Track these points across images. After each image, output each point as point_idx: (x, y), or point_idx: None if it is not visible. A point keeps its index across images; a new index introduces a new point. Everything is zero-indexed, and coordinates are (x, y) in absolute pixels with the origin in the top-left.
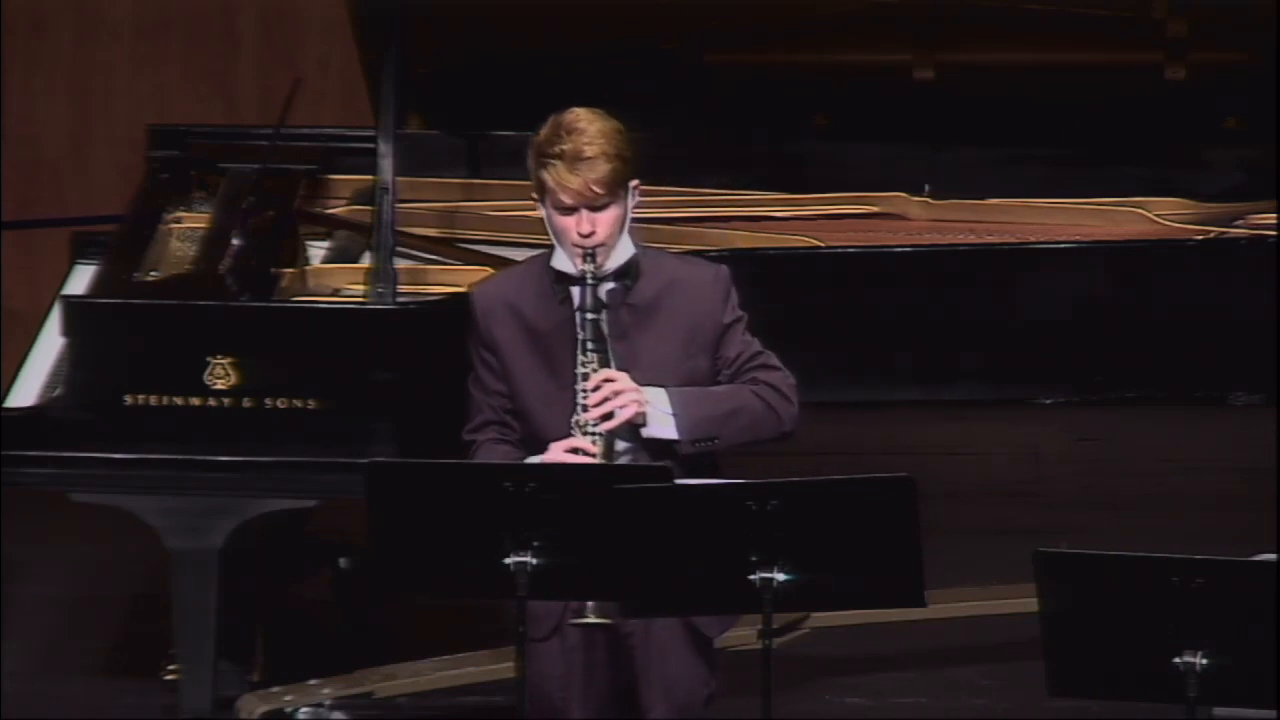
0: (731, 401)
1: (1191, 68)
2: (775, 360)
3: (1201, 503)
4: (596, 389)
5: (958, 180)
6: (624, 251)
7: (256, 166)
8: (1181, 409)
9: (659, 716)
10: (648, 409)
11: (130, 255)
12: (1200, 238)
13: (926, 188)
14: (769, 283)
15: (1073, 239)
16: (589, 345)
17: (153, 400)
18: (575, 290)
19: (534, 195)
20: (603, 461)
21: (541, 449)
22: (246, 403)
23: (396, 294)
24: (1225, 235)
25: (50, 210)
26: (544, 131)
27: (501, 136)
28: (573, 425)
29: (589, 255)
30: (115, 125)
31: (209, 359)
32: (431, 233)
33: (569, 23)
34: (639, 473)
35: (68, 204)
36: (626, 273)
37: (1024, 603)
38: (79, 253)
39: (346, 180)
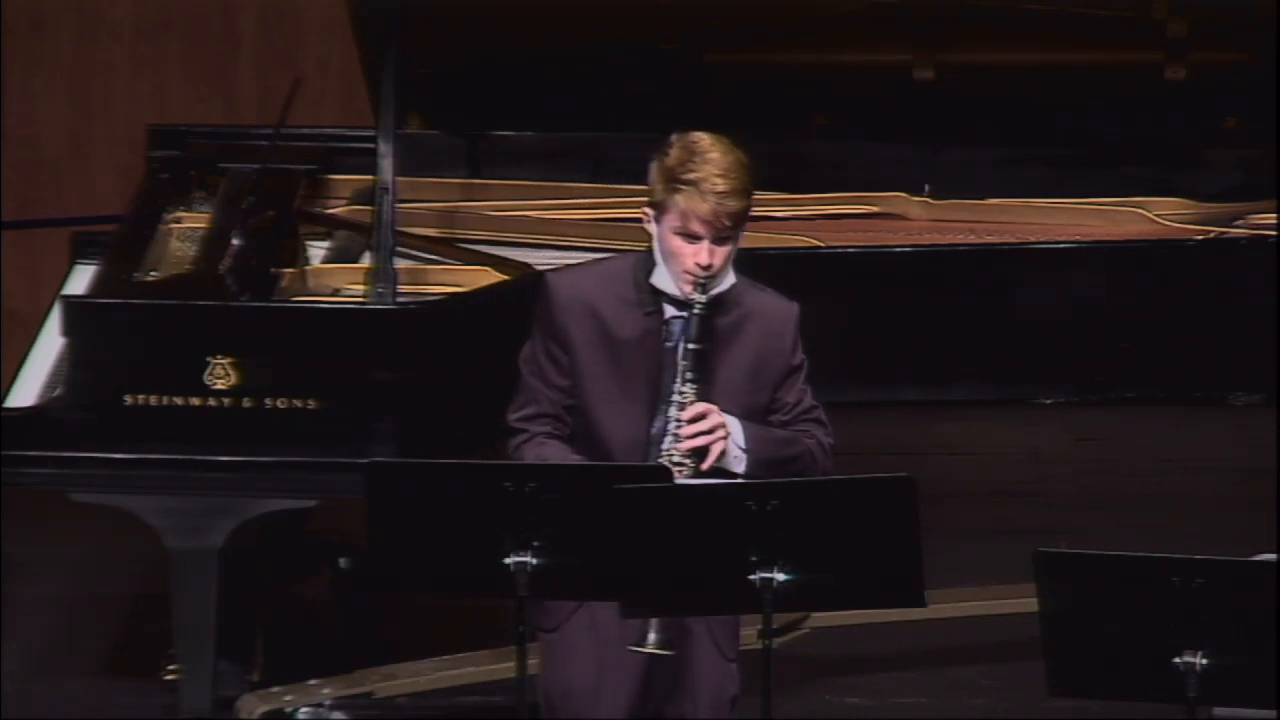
0: (791, 449)
1: (1191, 68)
2: (825, 416)
3: (1201, 503)
4: (694, 420)
5: (958, 180)
6: (725, 281)
7: (256, 166)
8: (1181, 409)
9: (689, 717)
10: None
11: (130, 255)
12: (1200, 238)
13: (926, 188)
14: (769, 283)
15: (1073, 239)
16: (689, 375)
17: (153, 400)
18: (669, 309)
19: (646, 210)
20: None
21: (595, 450)
22: (246, 403)
23: (396, 294)
24: (1225, 235)
25: (50, 210)
26: (674, 153)
27: (501, 136)
28: (663, 453)
29: (701, 285)
30: (115, 125)
31: (209, 359)
32: (431, 233)
33: (569, 23)
34: (639, 473)
35: (68, 204)
36: (717, 301)
37: (1024, 603)
38: (79, 253)
39: (346, 180)
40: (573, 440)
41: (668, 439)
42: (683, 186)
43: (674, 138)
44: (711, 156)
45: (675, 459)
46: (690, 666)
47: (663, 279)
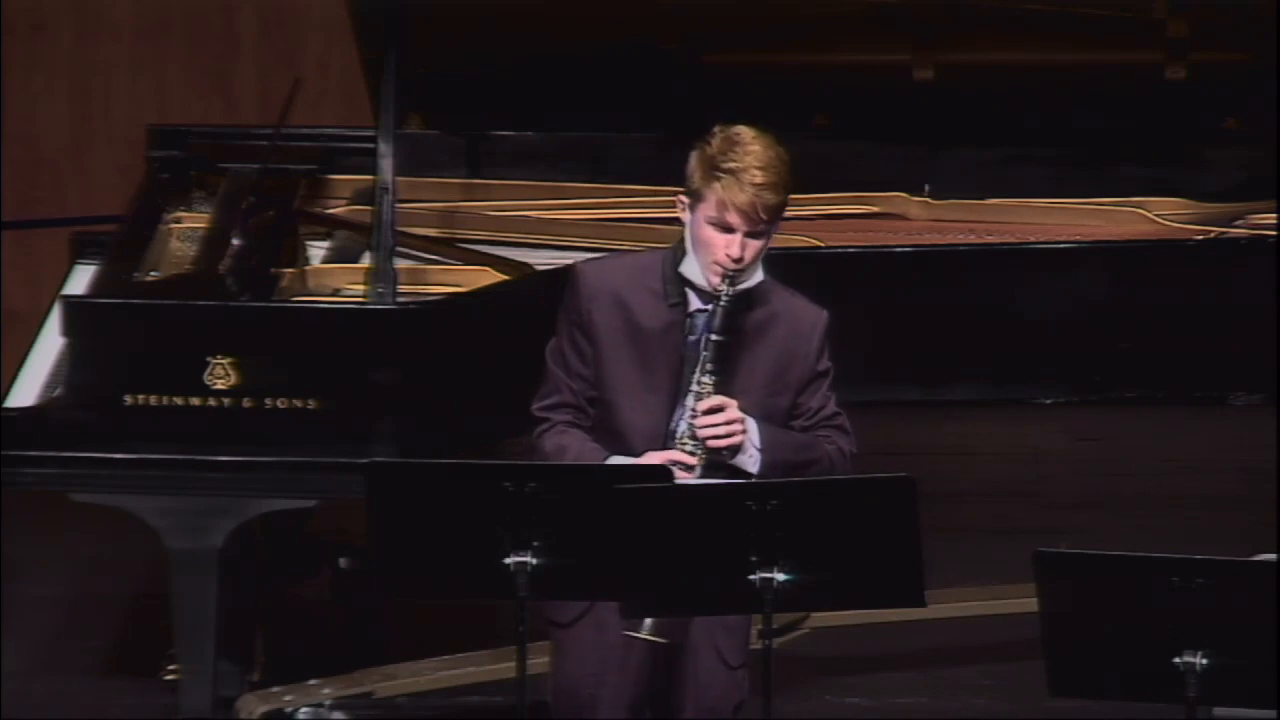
0: (809, 453)
1: (1191, 68)
2: (848, 424)
3: (1201, 503)
4: (710, 411)
5: (958, 180)
6: (753, 278)
7: (256, 166)
8: (1181, 409)
9: (688, 719)
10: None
11: (130, 255)
12: (1200, 238)
13: (926, 188)
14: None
15: (1073, 239)
16: (709, 367)
17: (153, 400)
18: (694, 299)
19: (680, 199)
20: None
21: (616, 441)
22: (246, 403)
23: (396, 294)
24: (1225, 235)
25: (50, 210)
26: (716, 143)
27: (501, 136)
28: (676, 438)
29: (729, 277)
30: (115, 125)
31: (209, 359)
32: (431, 233)
33: (569, 23)
34: (639, 473)
35: (68, 204)
36: (745, 298)
37: (1024, 603)
38: (79, 253)
39: (346, 180)
40: (594, 431)
41: (682, 426)
42: (722, 175)
43: (717, 128)
44: (753, 149)
45: (689, 449)
46: (695, 678)
47: (691, 269)
